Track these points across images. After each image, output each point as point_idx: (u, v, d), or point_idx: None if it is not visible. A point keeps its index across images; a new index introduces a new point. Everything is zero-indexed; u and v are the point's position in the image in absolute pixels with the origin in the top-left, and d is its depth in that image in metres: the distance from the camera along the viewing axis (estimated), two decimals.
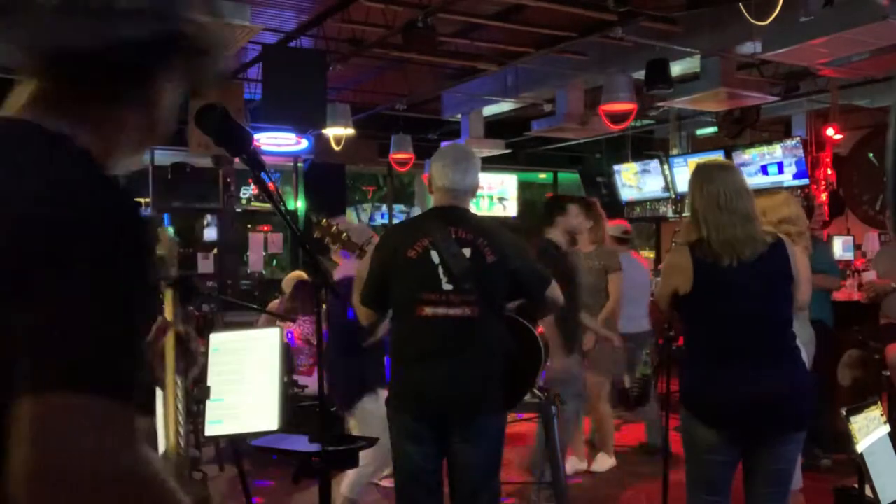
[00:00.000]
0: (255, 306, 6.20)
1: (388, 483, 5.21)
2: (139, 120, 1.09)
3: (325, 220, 3.29)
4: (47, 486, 0.84)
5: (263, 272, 10.91)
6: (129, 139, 1.09)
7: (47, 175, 0.94)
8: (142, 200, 9.58)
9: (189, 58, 1.08)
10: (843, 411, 2.58)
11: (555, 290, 3.13)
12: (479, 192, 3.22)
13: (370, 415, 4.06)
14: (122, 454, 0.87)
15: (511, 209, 12.09)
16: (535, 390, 3.90)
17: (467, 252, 2.94)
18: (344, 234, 3.42)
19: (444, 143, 3.77)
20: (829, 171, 8.84)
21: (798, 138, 8.72)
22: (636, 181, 10.32)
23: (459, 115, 9.74)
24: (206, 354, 2.98)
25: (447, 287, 2.91)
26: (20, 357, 0.86)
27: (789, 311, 2.97)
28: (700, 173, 3.02)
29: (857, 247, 9.30)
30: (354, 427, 4.39)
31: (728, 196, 2.89)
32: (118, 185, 1.00)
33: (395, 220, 12.07)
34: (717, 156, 8.43)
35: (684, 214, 9.64)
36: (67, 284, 0.88)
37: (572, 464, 5.53)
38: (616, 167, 10.71)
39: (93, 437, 0.86)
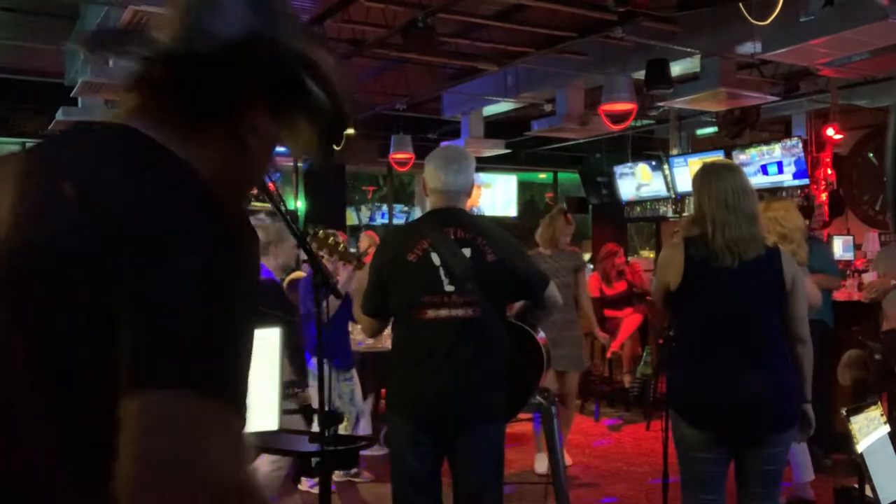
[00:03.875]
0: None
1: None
2: (234, 152, 1.04)
3: (322, 230, 3.30)
4: (151, 490, 0.78)
5: None
6: (222, 167, 1.02)
7: (163, 179, 0.92)
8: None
9: (298, 107, 1.02)
10: (843, 411, 2.58)
11: (553, 290, 3.10)
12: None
13: None
14: (232, 464, 0.82)
15: (511, 209, 12.08)
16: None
17: (467, 252, 2.90)
18: (341, 245, 3.42)
19: (442, 144, 3.77)
20: (829, 171, 8.82)
21: (798, 138, 8.71)
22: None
23: (459, 115, 9.73)
24: None
25: (449, 288, 2.87)
26: (137, 352, 0.81)
27: (775, 318, 2.95)
28: (708, 172, 3.02)
29: (857, 247, 9.30)
30: None
31: (736, 195, 2.89)
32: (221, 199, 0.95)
33: (396, 220, 12.05)
34: (718, 156, 8.43)
35: (684, 214, 9.62)
36: (184, 289, 0.83)
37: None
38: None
39: (206, 439, 0.80)
